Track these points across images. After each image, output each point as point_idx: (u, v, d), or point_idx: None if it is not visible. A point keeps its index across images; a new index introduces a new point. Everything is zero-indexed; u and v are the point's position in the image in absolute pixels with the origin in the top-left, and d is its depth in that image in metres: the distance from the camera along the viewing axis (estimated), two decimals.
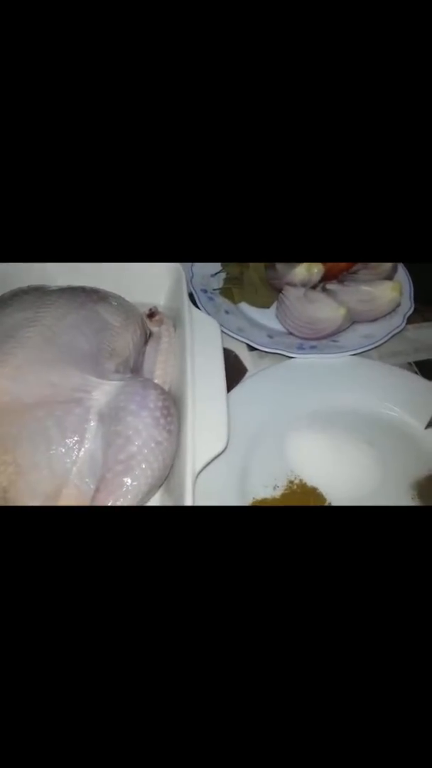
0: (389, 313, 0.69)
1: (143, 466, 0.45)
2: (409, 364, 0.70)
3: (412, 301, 0.71)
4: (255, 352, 0.69)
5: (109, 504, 0.44)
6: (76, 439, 0.46)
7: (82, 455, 0.46)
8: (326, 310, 0.65)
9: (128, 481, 0.44)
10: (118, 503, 0.44)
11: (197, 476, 0.47)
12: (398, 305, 0.69)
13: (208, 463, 0.49)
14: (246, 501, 0.54)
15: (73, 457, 0.46)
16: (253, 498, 0.54)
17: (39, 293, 0.54)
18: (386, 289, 0.68)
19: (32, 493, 0.45)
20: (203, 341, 0.57)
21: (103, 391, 0.48)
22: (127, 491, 0.44)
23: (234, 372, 0.67)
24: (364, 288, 0.68)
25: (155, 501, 0.52)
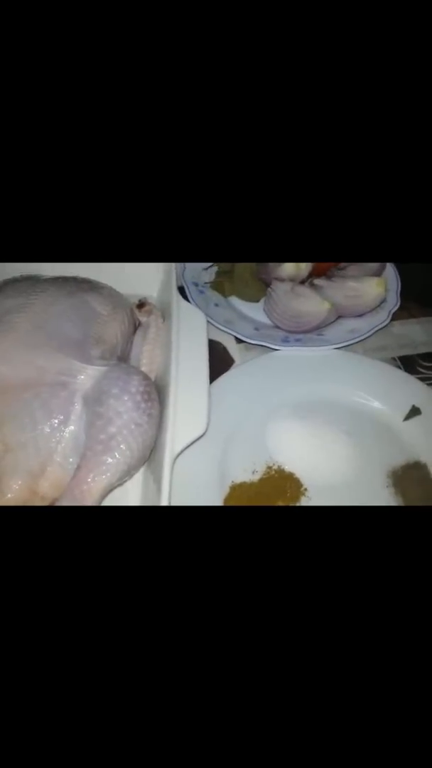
0: (375, 308, 0.71)
1: (122, 447, 0.48)
2: (393, 359, 0.72)
3: (399, 297, 0.73)
4: (242, 344, 0.72)
5: (89, 480, 0.46)
6: (61, 420, 0.49)
7: (67, 436, 0.49)
8: (311, 304, 0.67)
9: (108, 459, 0.47)
10: (98, 480, 0.46)
11: (177, 458, 0.50)
12: (384, 301, 0.71)
13: (188, 446, 0.51)
14: (225, 484, 0.56)
15: (58, 438, 0.49)
16: (232, 481, 0.57)
17: (31, 282, 0.56)
18: (372, 285, 0.70)
19: (18, 471, 0.47)
20: (189, 332, 0.59)
21: (88, 376, 0.51)
22: (106, 469, 0.47)
23: (222, 363, 0.70)
24: (351, 284, 0.70)
25: (138, 480, 0.55)
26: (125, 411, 0.48)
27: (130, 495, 0.55)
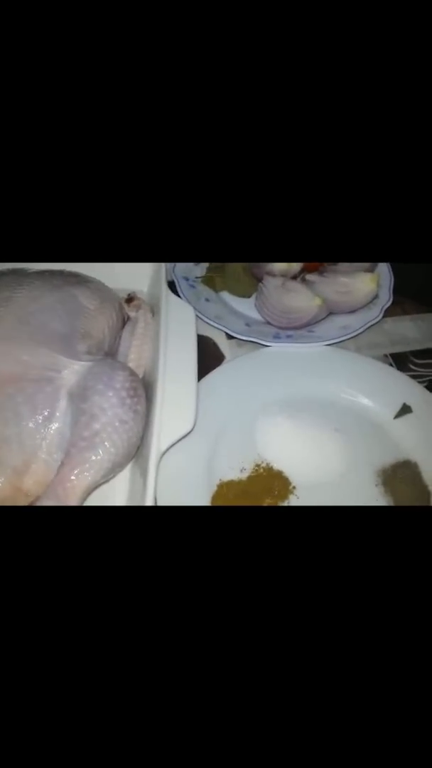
0: (367, 304, 0.70)
1: (107, 444, 0.47)
2: (386, 356, 0.72)
3: (392, 293, 0.72)
4: (233, 341, 0.71)
5: (72, 478, 0.46)
6: (45, 415, 0.48)
7: (51, 432, 0.48)
8: (301, 300, 0.67)
9: (91, 456, 0.46)
10: (81, 477, 0.46)
11: (163, 455, 0.49)
12: (375, 297, 0.70)
13: (174, 444, 0.51)
14: (213, 482, 0.56)
15: (43, 434, 0.48)
16: (220, 479, 0.56)
17: (17, 275, 0.56)
18: (364, 280, 0.69)
19: (1, 467, 0.47)
20: (178, 327, 0.59)
21: (73, 371, 0.50)
22: (90, 466, 0.46)
23: (212, 359, 0.69)
24: (342, 279, 0.69)
25: (125, 477, 0.54)
26: (110, 407, 0.48)
27: (118, 491, 0.54)
